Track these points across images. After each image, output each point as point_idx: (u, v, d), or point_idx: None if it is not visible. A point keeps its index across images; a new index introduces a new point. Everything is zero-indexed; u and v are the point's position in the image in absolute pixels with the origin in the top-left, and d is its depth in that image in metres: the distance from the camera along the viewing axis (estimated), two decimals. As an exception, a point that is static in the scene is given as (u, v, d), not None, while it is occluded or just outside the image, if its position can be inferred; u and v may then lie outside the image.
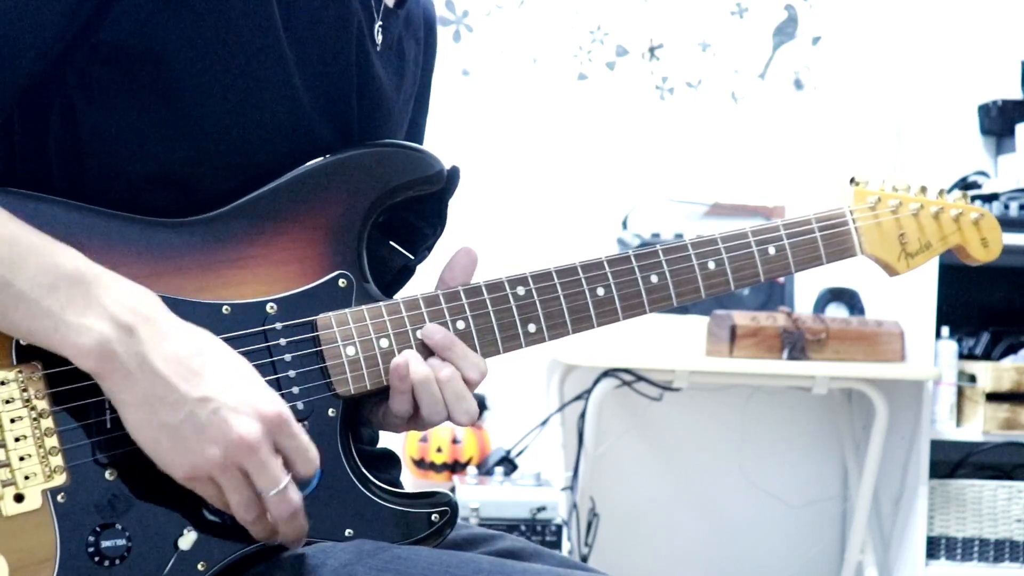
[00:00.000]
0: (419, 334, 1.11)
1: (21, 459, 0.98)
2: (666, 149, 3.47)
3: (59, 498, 0.99)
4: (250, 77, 1.06)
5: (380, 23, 1.17)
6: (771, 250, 1.23)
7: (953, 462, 3.33)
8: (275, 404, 0.99)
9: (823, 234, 1.26)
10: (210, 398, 0.97)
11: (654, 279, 1.18)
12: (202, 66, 1.04)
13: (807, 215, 1.26)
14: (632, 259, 1.18)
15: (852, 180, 1.30)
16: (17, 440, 0.98)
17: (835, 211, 1.28)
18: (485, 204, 3.33)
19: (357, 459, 1.10)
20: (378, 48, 1.17)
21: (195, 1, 1.04)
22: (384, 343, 1.10)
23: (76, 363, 0.97)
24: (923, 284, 3.07)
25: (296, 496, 1.00)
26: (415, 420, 1.13)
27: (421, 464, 3.16)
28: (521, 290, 1.14)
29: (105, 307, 0.96)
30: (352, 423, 1.13)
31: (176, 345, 0.97)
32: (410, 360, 1.09)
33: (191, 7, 1.04)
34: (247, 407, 0.97)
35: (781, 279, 3.32)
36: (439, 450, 3.15)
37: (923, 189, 1.32)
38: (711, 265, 1.21)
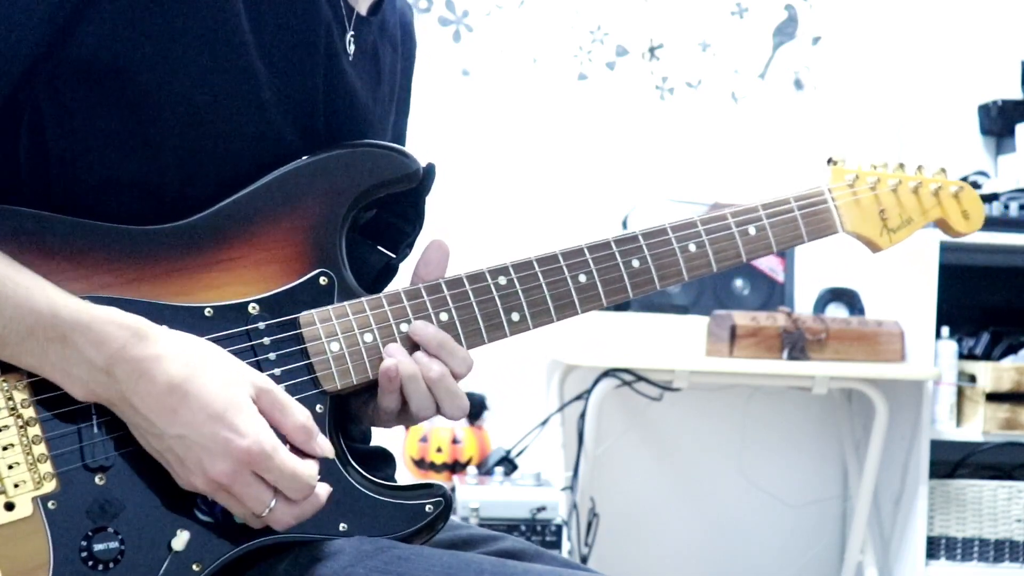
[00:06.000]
0: (406, 330, 1.11)
1: (10, 467, 0.98)
2: (666, 149, 3.47)
3: (50, 505, 0.99)
4: (217, 91, 1.07)
5: (352, 33, 1.17)
6: (752, 230, 1.24)
7: (953, 462, 3.32)
8: (248, 439, 0.99)
9: (803, 212, 1.27)
10: (184, 436, 0.99)
11: (636, 263, 1.19)
12: (169, 81, 1.05)
13: (786, 195, 1.27)
14: (612, 245, 1.20)
15: (829, 160, 1.31)
16: (5, 449, 0.99)
17: (813, 190, 1.29)
18: (485, 204, 3.33)
19: (348, 454, 1.10)
20: (351, 57, 1.17)
21: (162, 18, 1.04)
22: (368, 338, 1.10)
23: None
24: (923, 284, 3.07)
25: (285, 515, 1.02)
26: (404, 415, 1.14)
27: (421, 464, 3.17)
28: (503, 280, 1.15)
29: (81, 353, 0.98)
30: (341, 419, 1.13)
31: (153, 383, 0.98)
32: (398, 358, 1.10)
33: (158, 24, 1.04)
34: (219, 445, 0.99)
35: (780, 277, 3.32)
36: (439, 450, 3.15)
37: (901, 165, 1.33)
38: (692, 247, 1.21)
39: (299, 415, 1.03)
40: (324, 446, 1.04)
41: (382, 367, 1.10)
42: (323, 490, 1.04)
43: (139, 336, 0.99)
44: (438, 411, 1.13)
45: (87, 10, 1.03)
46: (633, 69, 3.46)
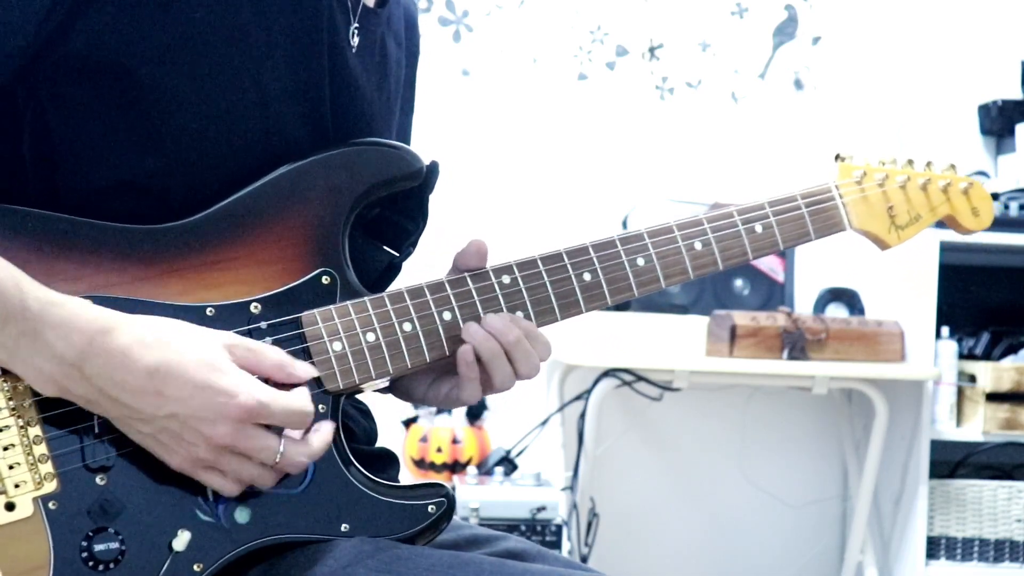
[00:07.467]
0: (484, 325, 1.12)
1: (10, 468, 0.98)
2: (666, 149, 3.47)
3: (50, 505, 0.99)
4: (220, 86, 1.06)
5: (356, 25, 1.17)
6: (758, 228, 1.23)
7: (953, 462, 3.33)
8: (241, 396, 0.99)
9: (810, 210, 1.26)
10: (176, 414, 0.99)
11: (640, 262, 1.19)
12: (170, 77, 1.05)
13: (792, 192, 1.26)
14: (617, 243, 1.19)
15: (837, 156, 1.30)
16: (5, 449, 0.99)
17: (821, 187, 1.28)
18: (485, 204, 3.33)
19: (350, 454, 1.10)
20: (354, 49, 1.16)
21: (161, 13, 1.04)
22: (371, 337, 1.10)
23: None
24: (923, 284, 3.07)
25: (299, 455, 1.03)
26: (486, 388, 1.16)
27: (421, 464, 3.17)
28: (507, 279, 1.15)
29: (51, 347, 0.97)
30: (344, 420, 1.13)
31: (128, 371, 0.98)
32: (476, 341, 1.11)
33: (157, 19, 1.04)
34: (214, 411, 0.99)
35: (780, 277, 3.32)
36: (439, 450, 3.15)
37: (910, 162, 1.32)
38: (697, 245, 1.21)
39: (272, 354, 1.03)
40: (304, 368, 1.05)
41: (459, 352, 1.12)
42: (326, 426, 1.05)
43: (105, 331, 0.97)
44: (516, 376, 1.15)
45: (85, 5, 1.02)
46: (633, 69, 3.46)
